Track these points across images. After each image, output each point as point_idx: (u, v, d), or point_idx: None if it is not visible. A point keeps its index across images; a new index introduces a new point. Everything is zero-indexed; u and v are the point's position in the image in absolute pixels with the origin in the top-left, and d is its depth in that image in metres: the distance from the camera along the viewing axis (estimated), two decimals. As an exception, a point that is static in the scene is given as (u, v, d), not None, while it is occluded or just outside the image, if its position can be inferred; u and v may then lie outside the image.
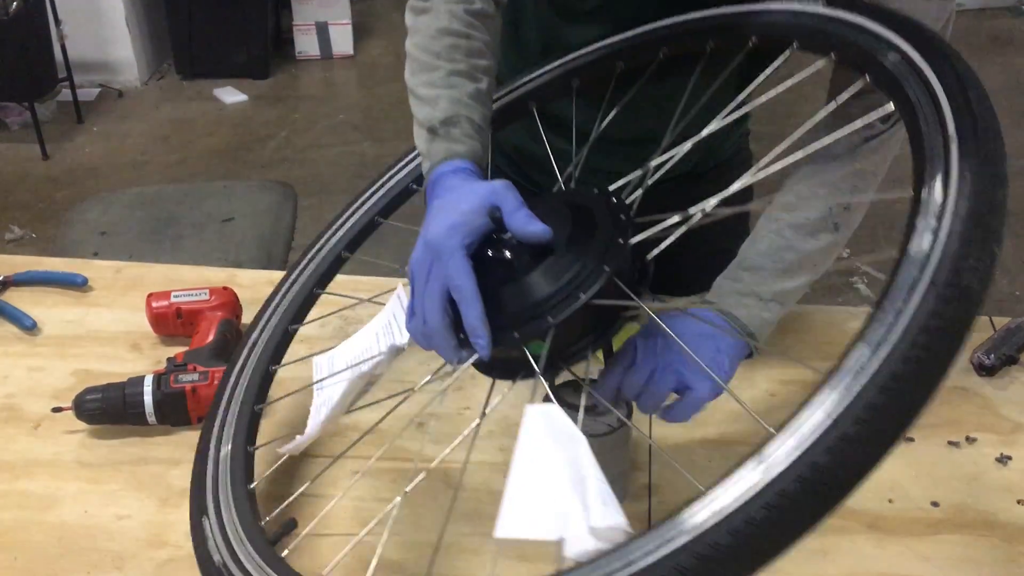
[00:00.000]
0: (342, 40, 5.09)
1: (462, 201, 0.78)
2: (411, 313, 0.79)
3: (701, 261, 0.97)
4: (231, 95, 4.61)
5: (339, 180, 3.83)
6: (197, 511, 0.88)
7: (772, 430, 0.56)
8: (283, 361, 1.04)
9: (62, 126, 4.24)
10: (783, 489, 0.52)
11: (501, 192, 0.77)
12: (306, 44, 5.06)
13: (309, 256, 1.10)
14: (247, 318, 1.24)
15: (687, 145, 0.89)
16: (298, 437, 0.88)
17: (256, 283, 1.33)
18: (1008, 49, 5.08)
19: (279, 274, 1.36)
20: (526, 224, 0.75)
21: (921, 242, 0.59)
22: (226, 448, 0.94)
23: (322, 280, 1.08)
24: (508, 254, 0.77)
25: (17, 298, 1.29)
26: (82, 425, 1.07)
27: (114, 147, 4.14)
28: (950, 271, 0.56)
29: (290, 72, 4.96)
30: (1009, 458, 1.03)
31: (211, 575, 0.82)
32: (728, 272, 0.95)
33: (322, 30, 5.03)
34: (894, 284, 0.58)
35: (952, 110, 0.67)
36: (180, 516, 0.96)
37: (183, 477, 1.00)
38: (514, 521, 0.61)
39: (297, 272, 1.09)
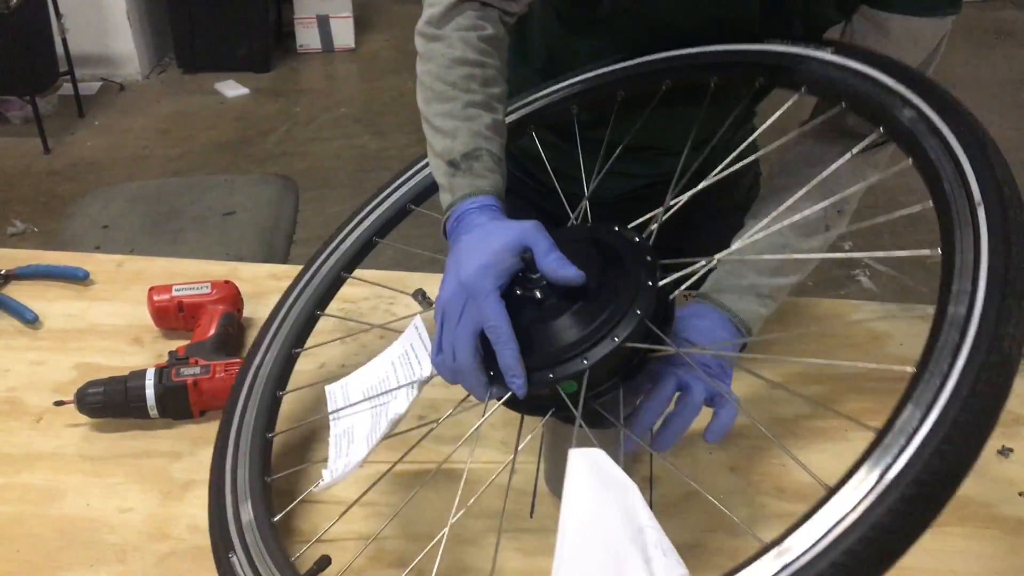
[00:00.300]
0: (343, 33, 5.08)
1: (492, 240, 0.78)
2: (438, 348, 0.80)
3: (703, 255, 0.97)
4: (232, 88, 4.61)
5: (340, 173, 3.83)
6: (223, 547, 0.86)
7: (828, 486, 0.59)
8: (288, 387, 1.03)
9: (63, 120, 4.24)
10: (849, 548, 0.54)
11: (532, 234, 0.78)
12: (307, 37, 5.06)
13: (307, 277, 1.09)
14: (248, 311, 1.25)
15: (691, 191, 0.92)
16: (325, 474, 0.86)
17: (257, 277, 1.33)
18: (1010, 41, 5.07)
19: (281, 268, 1.37)
20: (559, 268, 0.76)
21: (959, 306, 0.62)
22: (242, 474, 0.92)
23: (322, 301, 1.07)
24: (538, 294, 0.78)
25: (19, 292, 1.29)
26: (84, 418, 1.07)
27: (115, 141, 4.14)
28: (992, 337, 0.59)
29: (291, 65, 4.96)
30: (1011, 450, 1.03)
31: None
32: (726, 266, 0.95)
33: (323, 23, 5.03)
34: (936, 346, 0.60)
35: (975, 173, 0.70)
36: (182, 509, 0.96)
37: (185, 470, 1.01)
38: (570, 569, 0.61)
39: (296, 293, 1.08)
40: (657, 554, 0.59)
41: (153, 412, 1.06)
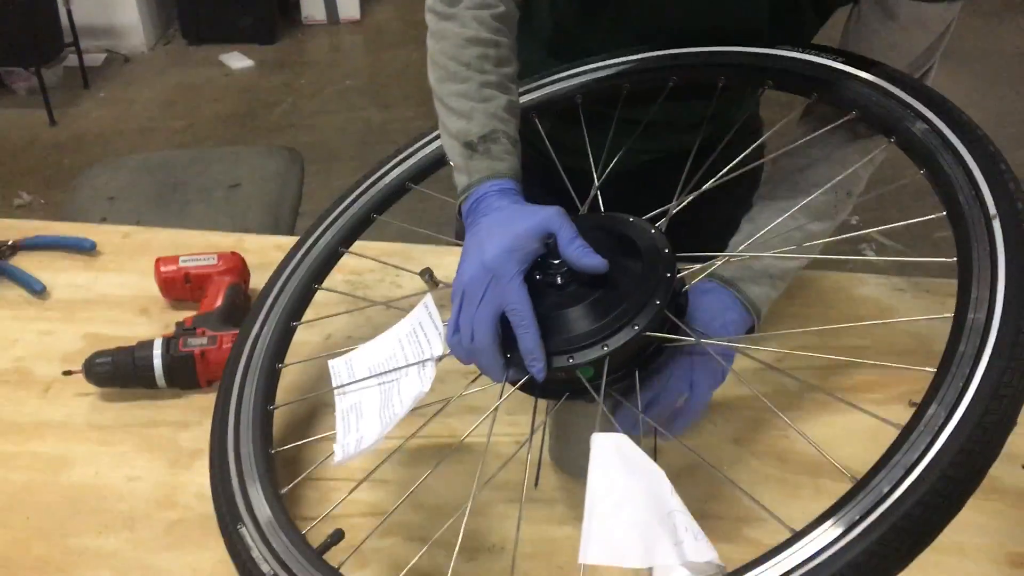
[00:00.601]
0: (348, 5, 5.06)
1: (515, 224, 0.79)
2: (454, 328, 0.80)
3: (716, 239, 0.97)
4: (237, 60, 4.59)
5: (345, 146, 3.82)
6: (230, 520, 0.85)
7: (854, 478, 0.62)
8: (292, 359, 1.03)
9: (69, 92, 4.24)
10: (881, 537, 0.58)
11: (556, 220, 0.78)
12: (312, 9, 5.04)
13: (303, 250, 1.09)
14: (255, 283, 1.25)
15: (699, 191, 0.93)
16: (336, 449, 0.85)
17: (263, 248, 1.33)
18: (1019, 13, 5.02)
19: (286, 239, 1.37)
20: (583, 256, 0.77)
21: (978, 312, 0.66)
22: (246, 447, 0.92)
23: (319, 275, 1.07)
24: (558, 280, 0.79)
25: (27, 262, 1.30)
26: (92, 388, 1.07)
27: (121, 113, 4.13)
28: (1012, 344, 0.62)
29: (296, 37, 4.93)
30: (1014, 423, 1.03)
31: None
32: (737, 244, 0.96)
33: (328, -6, 5.01)
34: (958, 351, 0.65)
35: (990, 187, 0.73)
36: (190, 477, 0.97)
37: (193, 439, 1.02)
38: (598, 549, 0.62)
39: (292, 266, 1.08)
40: (688, 537, 0.60)
41: (161, 382, 1.06)
